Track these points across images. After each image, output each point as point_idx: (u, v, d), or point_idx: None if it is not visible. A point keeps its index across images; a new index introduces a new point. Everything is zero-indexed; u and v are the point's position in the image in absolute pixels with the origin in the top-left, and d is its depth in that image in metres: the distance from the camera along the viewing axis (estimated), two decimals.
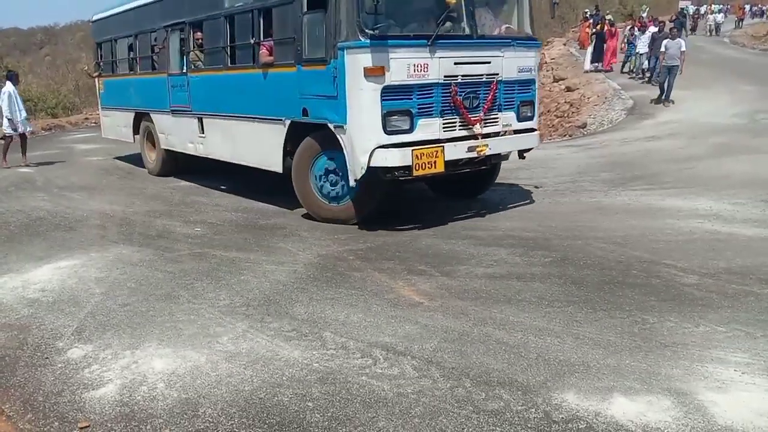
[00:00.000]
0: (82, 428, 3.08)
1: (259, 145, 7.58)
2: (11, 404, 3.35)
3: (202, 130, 8.86)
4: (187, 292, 4.96)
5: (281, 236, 6.56)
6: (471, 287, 4.83)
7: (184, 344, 4.00)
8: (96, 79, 12.77)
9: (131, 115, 11.22)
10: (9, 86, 11.95)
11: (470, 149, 6.44)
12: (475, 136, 6.53)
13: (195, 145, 9.19)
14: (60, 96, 27.91)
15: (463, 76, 6.35)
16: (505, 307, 4.41)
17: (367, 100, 5.91)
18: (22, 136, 12.17)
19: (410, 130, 6.10)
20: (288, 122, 6.94)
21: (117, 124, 11.95)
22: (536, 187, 8.44)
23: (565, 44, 29.05)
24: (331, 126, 6.29)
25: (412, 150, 6.00)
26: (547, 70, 21.78)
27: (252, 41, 7.41)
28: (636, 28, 20.90)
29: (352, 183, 6.28)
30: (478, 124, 6.52)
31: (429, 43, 6.04)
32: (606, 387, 3.29)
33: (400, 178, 6.14)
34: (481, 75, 6.52)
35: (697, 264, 5.14)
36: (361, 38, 5.88)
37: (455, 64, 6.26)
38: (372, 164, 6.02)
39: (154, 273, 5.47)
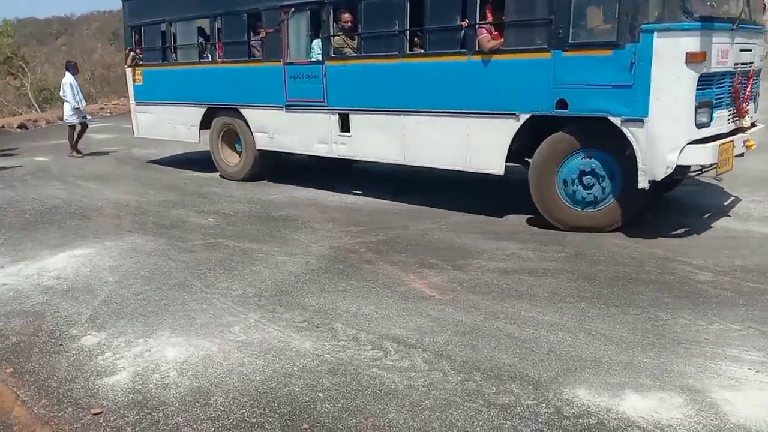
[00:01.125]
0: (95, 414, 3.12)
1: (464, 143, 6.57)
2: (26, 389, 3.39)
3: (346, 128, 7.64)
4: (200, 281, 4.99)
5: (294, 228, 6.58)
6: (483, 281, 4.82)
7: (197, 333, 4.02)
8: (131, 70, 10.70)
9: (199, 111, 9.50)
10: (69, 77, 12.19)
11: (743, 144, 5.94)
12: (743, 129, 6.05)
13: (330, 146, 7.89)
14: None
15: (741, 63, 5.86)
16: (516, 302, 4.39)
17: (684, 90, 5.26)
18: (83, 125, 12.35)
19: (708, 124, 5.51)
20: (525, 117, 6.05)
21: (167, 121, 10.13)
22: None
23: None
24: (614, 120, 5.52)
25: (719, 145, 5.43)
26: None
27: (463, 23, 6.34)
28: None
29: (644, 184, 5.50)
30: (746, 115, 6.05)
31: (734, 27, 5.50)
32: (618, 383, 3.27)
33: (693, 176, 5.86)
34: (749, 63, 6.04)
35: (711, 261, 5.09)
36: (684, 19, 5.21)
37: (740, 51, 5.77)
38: (680, 162, 5.39)
39: (168, 262, 5.50)
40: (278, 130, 8.46)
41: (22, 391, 3.38)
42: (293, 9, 7.91)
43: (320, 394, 3.22)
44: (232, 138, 9.39)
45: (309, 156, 8.93)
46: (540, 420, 2.95)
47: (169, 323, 4.19)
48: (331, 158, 8.30)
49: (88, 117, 12.78)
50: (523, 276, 4.91)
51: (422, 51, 6.85)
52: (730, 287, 4.55)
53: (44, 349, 3.88)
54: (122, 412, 3.13)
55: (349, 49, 7.53)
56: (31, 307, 4.57)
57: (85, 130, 12.48)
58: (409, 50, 6.90)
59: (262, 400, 3.20)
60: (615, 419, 2.94)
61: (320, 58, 7.70)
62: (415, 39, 7.01)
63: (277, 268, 5.26)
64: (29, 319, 4.35)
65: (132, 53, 10.55)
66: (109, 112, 22.84)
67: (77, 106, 11.99)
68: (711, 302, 4.29)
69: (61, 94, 12.40)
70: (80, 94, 12.26)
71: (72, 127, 12.13)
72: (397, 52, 6.93)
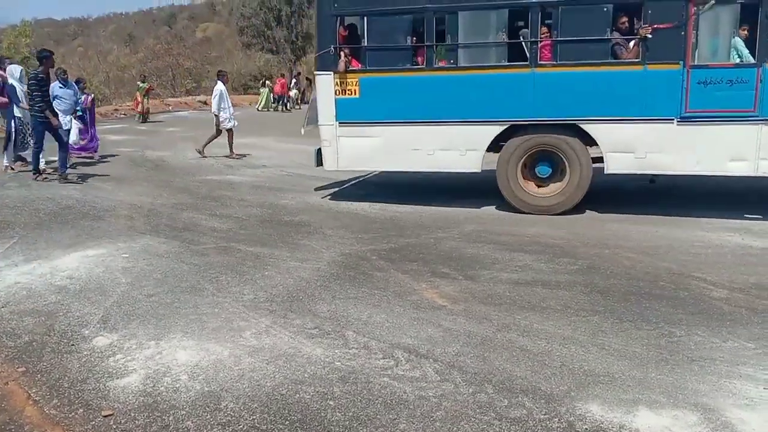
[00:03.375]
0: (105, 416, 3.12)
1: None
2: (38, 389, 3.40)
3: None
4: (212, 285, 5.00)
5: (305, 233, 6.58)
6: (495, 292, 4.79)
7: (208, 337, 4.02)
8: (332, 78, 7.71)
9: (490, 131, 7.32)
10: (220, 85, 12.58)
11: None
12: None
13: (754, 163, 6.67)
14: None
15: None
16: (529, 314, 4.36)
17: None
18: (230, 131, 12.67)
19: None
20: None
21: (411, 146, 7.58)
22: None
23: None
24: None
25: None
26: None
27: None
28: None
29: None
30: None
31: None
32: (631, 399, 3.23)
33: None
34: None
35: (726, 278, 5.04)
36: None
37: None
38: None
39: (180, 265, 5.52)
40: (659, 148, 6.87)
41: (33, 391, 3.38)
42: (713, 1, 6.54)
43: (331, 402, 3.21)
44: (533, 162, 7.48)
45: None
46: None
47: (180, 326, 4.20)
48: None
49: (234, 123, 12.87)
50: (535, 288, 4.88)
51: None
52: (745, 305, 4.50)
53: (56, 349, 3.89)
54: (133, 414, 3.13)
55: None
56: (43, 306, 4.59)
57: (231, 135, 12.71)
58: None
59: (272, 406, 3.19)
60: None
61: (748, 60, 6.56)
62: None
63: (289, 273, 5.26)
64: (42, 318, 4.37)
65: (343, 55, 7.63)
66: (124, 114, 23.03)
67: (216, 113, 12.32)
68: (725, 319, 4.24)
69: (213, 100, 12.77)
70: (228, 101, 12.59)
71: (229, 131, 12.48)
72: None
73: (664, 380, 3.43)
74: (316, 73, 7.88)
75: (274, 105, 27.64)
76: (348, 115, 7.69)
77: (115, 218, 7.32)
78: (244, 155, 12.58)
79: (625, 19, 6.91)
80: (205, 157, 12.20)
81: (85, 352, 3.83)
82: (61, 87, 10.52)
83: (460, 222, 7.01)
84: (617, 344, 3.88)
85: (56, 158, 9.77)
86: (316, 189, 9.11)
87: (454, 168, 7.63)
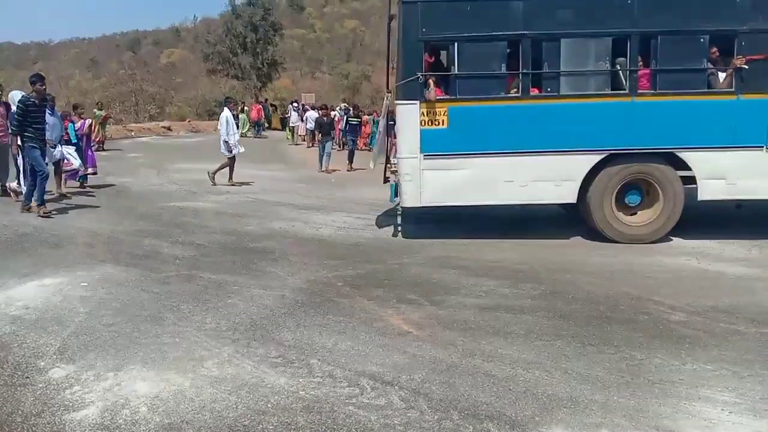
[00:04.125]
0: None
1: None
2: None
3: None
4: (173, 314, 4.90)
5: (270, 260, 6.53)
6: (460, 318, 4.81)
7: (169, 367, 3.93)
8: (418, 107, 7.20)
9: (588, 160, 7.18)
10: (226, 111, 12.50)
11: None
12: None
13: None
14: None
15: None
16: (494, 339, 4.39)
17: None
18: (233, 158, 12.47)
19: None
20: None
21: (503, 178, 7.24)
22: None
23: None
24: None
25: None
26: None
27: None
28: None
29: None
30: None
31: None
32: (594, 423, 3.26)
33: None
34: None
35: (684, 301, 5.17)
36: None
37: None
38: None
39: (141, 293, 5.40)
40: (748, 174, 7.09)
41: None
42: None
43: None
44: (623, 191, 7.41)
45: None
46: None
47: (140, 357, 4.09)
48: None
49: (241, 149, 12.71)
50: (500, 313, 4.92)
51: None
52: (702, 327, 4.61)
53: (9, 381, 3.75)
54: None
55: None
56: None
57: (233, 161, 12.55)
58: None
59: None
60: None
61: None
62: None
63: (252, 301, 5.19)
64: None
65: (432, 83, 7.16)
66: None
67: (226, 139, 12.19)
68: (684, 342, 4.33)
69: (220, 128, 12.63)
70: (234, 128, 12.48)
71: (232, 158, 12.33)
72: None
73: (625, 403, 3.47)
74: (397, 102, 7.39)
75: (245, 131, 27.52)
76: (434, 146, 7.21)
77: (74, 246, 7.14)
78: (246, 183, 12.45)
79: (717, 49, 7.08)
80: (215, 184, 12.08)
81: (41, 385, 3.70)
82: (49, 114, 10.10)
83: (426, 247, 7.04)
84: (580, 368, 3.92)
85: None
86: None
87: (548, 199, 7.46)
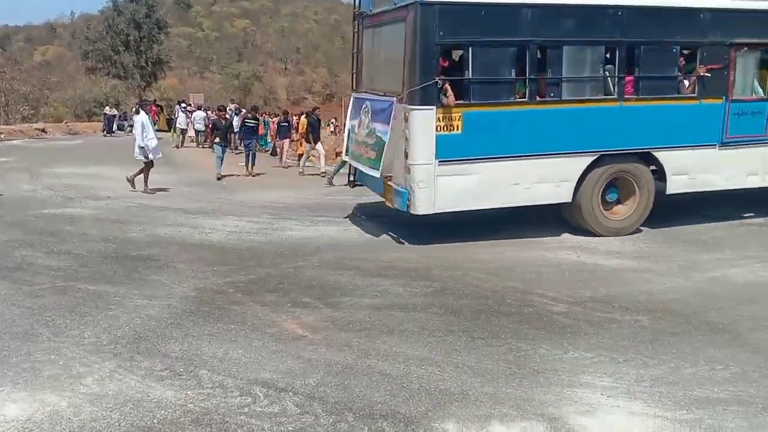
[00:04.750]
0: None
1: None
2: None
3: None
4: (48, 329, 4.54)
5: (155, 268, 6.21)
6: (355, 319, 4.81)
7: (43, 387, 3.64)
8: (434, 113, 6.92)
9: (583, 161, 7.48)
10: (142, 115, 11.59)
11: None
12: None
13: (762, 177, 8.14)
14: None
15: None
16: (388, 338, 4.42)
17: None
18: (150, 163, 11.47)
19: None
20: None
21: (511, 182, 7.31)
22: None
23: None
24: None
25: None
26: None
27: None
28: None
29: None
30: None
31: None
32: (484, 415, 3.36)
33: None
34: None
35: (565, 293, 5.46)
36: None
37: None
38: None
39: (11, 309, 4.96)
40: (705, 169, 7.87)
41: None
42: (743, 47, 7.87)
43: None
44: (606, 189, 7.78)
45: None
46: None
47: (10, 377, 3.76)
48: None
49: (158, 155, 11.70)
50: (394, 312, 4.97)
51: None
52: (582, 317, 4.89)
53: None
54: None
55: None
56: None
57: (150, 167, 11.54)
58: None
59: None
60: None
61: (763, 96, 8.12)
62: None
63: (136, 312, 4.92)
64: None
65: (449, 88, 6.88)
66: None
67: (142, 144, 11.22)
68: (566, 332, 4.58)
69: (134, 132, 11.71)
70: (151, 132, 11.51)
71: (149, 163, 11.36)
72: None
73: (513, 393, 3.61)
74: (412, 108, 6.95)
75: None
76: (449, 152, 7.01)
77: None
78: (160, 190, 11.60)
79: (683, 59, 7.80)
80: (134, 190, 11.20)
81: None
82: None
83: (320, 249, 6.99)
84: (470, 362, 4.04)
85: None
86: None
87: (548, 199, 7.55)
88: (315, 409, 3.40)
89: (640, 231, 7.82)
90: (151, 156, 11.46)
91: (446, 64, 7.09)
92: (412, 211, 7.06)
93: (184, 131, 22.02)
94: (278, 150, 16.96)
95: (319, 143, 14.46)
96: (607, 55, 7.59)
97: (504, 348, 4.28)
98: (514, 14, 7.15)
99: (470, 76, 7.06)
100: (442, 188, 7.03)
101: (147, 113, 12.24)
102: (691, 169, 7.85)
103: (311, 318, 4.84)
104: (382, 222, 8.30)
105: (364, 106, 8.02)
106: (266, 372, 3.86)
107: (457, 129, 7.03)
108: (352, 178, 8.78)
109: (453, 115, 6.97)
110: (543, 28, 7.16)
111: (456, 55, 7.44)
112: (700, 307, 5.12)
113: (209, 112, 21.90)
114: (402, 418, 3.31)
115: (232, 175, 13.73)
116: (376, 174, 7.46)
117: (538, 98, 7.30)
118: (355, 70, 8.63)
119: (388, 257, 6.70)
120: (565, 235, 7.61)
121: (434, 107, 6.89)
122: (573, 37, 7.36)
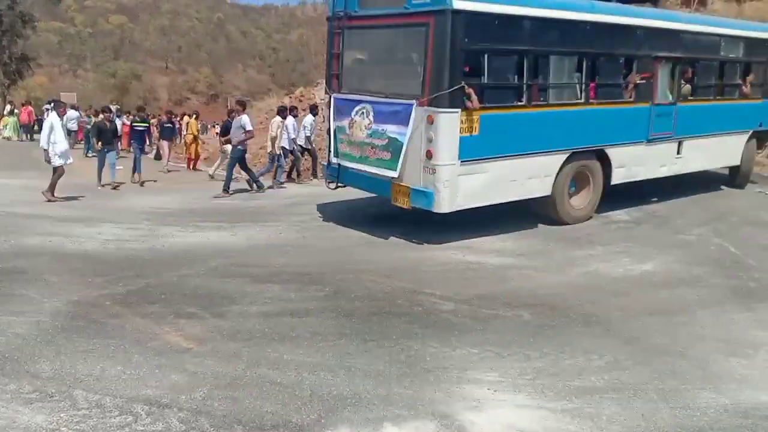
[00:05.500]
0: None
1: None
2: None
3: (679, 152, 9.86)
4: None
5: (22, 282, 5.69)
6: (244, 327, 4.67)
7: None
8: (458, 116, 7.18)
9: (560, 158, 8.25)
10: (53, 116, 10.55)
11: None
12: None
13: (669, 167, 9.82)
14: None
15: None
16: (279, 346, 4.33)
17: None
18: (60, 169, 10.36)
19: None
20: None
21: (510, 178, 7.82)
22: None
23: None
24: None
25: None
26: None
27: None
28: None
29: None
30: None
31: None
32: (377, 417, 3.38)
33: None
34: None
35: (453, 291, 5.62)
36: None
37: None
38: None
39: None
40: (636, 162, 9.25)
41: None
42: (663, 60, 9.34)
43: None
44: (570, 181, 8.67)
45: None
46: None
47: None
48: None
49: (68, 160, 10.52)
50: (285, 318, 4.88)
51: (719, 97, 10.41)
52: (469, 314, 5.05)
53: None
54: None
55: (689, 95, 9.93)
56: None
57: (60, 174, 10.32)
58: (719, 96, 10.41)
59: None
60: None
61: (672, 101, 9.67)
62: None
63: (0, 330, 4.48)
64: None
65: (473, 92, 7.17)
66: None
67: (45, 148, 10.09)
68: (454, 330, 4.70)
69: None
70: (60, 135, 10.34)
71: (59, 168, 10.21)
72: (712, 96, 10.24)
73: (405, 394, 3.66)
74: (440, 111, 7.10)
75: (10, 135, 23.62)
76: (468, 153, 7.37)
77: None
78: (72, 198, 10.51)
79: (624, 68, 8.97)
80: (54, 200, 10.00)
81: None
82: None
83: (206, 256, 6.72)
84: (362, 364, 4.04)
85: None
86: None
87: (534, 193, 8.18)
88: (202, 424, 3.26)
89: (591, 218, 8.89)
90: (58, 162, 10.45)
91: (468, 69, 7.41)
92: (436, 210, 7.35)
93: None
94: (161, 152, 16.09)
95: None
96: (580, 64, 8.58)
97: (395, 348, 4.32)
98: (527, 25, 7.83)
99: (485, 81, 7.50)
100: (462, 187, 7.41)
101: (59, 115, 10.92)
102: (628, 163, 9.16)
103: (197, 329, 4.64)
104: (270, 227, 8.15)
105: (359, 107, 8.02)
106: (148, 388, 3.66)
107: (476, 131, 7.44)
108: (334, 179, 8.58)
109: (473, 117, 7.38)
110: (542, 39, 7.96)
111: (472, 60, 7.64)
112: (576, 300, 5.45)
113: (82, 112, 20.48)
114: (294, 427, 3.25)
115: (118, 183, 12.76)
116: (394, 174, 7.59)
117: (534, 102, 8.05)
118: (335, 72, 8.51)
119: (279, 262, 6.57)
120: (451, 236, 7.83)
121: (459, 110, 7.21)
122: (560, 48, 8.21)
